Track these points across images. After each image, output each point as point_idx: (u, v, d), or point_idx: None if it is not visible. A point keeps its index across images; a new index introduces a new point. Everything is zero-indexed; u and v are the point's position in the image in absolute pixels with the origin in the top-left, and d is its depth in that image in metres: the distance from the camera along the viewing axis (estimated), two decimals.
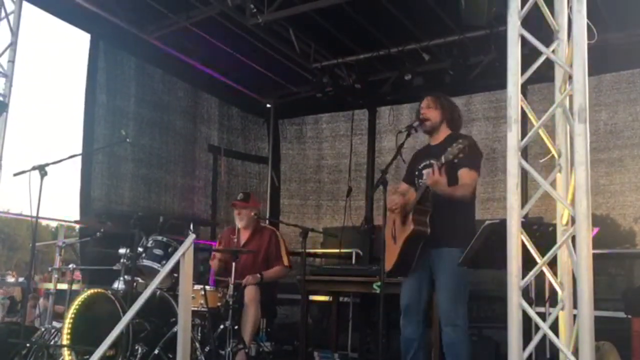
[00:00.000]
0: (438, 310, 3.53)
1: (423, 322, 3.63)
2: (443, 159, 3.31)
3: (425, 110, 3.76)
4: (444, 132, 3.79)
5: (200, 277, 4.64)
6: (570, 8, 2.48)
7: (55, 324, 4.38)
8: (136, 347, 3.77)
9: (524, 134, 2.46)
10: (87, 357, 3.62)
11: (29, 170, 4.11)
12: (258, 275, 4.69)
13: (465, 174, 3.53)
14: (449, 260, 3.42)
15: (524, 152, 2.48)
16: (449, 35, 5.94)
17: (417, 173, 3.78)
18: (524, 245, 2.40)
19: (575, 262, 2.35)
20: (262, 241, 4.97)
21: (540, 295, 4.02)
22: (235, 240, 4.81)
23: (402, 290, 3.68)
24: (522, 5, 2.50)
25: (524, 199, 2.44)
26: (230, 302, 4.09)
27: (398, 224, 3.60)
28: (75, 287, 4.78)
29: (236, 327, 4.09)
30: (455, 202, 3.49)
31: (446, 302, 3.47)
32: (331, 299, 5.94)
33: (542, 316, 2.43)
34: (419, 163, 3.80)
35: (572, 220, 2.38)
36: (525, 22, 2.50)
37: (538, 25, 2.61)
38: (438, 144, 3.76)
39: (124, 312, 3.60)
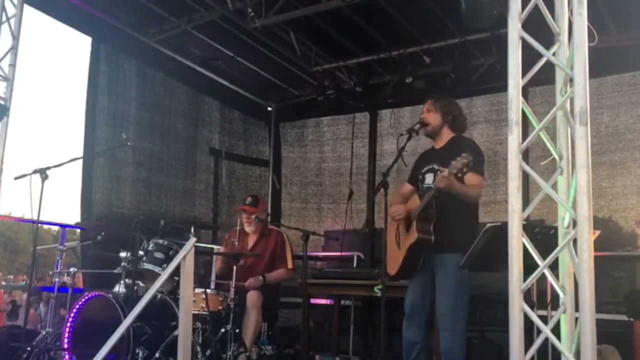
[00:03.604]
0: (438, 314, 3.52)
1: (425, 325, 3.60)
2: (447, 173, 3.23)
3: (426, 115, 3.74)
4: (446, 135, 3.75)
5: (201, 280, 4.64)
6: (570, 10, 2.47)
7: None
8: (137, 351, 3.77)
9: (525, 136, 2.45)
10: None
11: (30, 174, 4.12)
12: (260, 277, 4.66)
13: (471, 178, 3.41)
14: (451, 265, 3.41)
15: (525, 155, 2.48)
16: (449, 38, 5.94)
17: (420, 177, 3.76)
18: (525, 248, 2.39)
19: (576, 265, 2.34)
20: (268, 244, 4.94)
21: (542, 298, 4.01)
22: (237, 243, 4.80)
23: (407, 292, 3.66)
24: (523, 8, 2.50)
25: (526, 202, 2.43)
26: (232, 306, 4.08)
27: (402, 230, 3.58)
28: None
29: (237, 330, 4.08)
30: (462, 206, 3.45)
31: (446, 307, 3.45)
32: (333, 302, 5.93)
33: (544, 319, 2.41)
34: (422, 167, 3.78)
35: (574, 223, 2.38)
36: (526, 25, 2.50)
37: (539, 27, 2.60)
38: (441, 148, 3.74)
39: (125, 316, 3.59)
